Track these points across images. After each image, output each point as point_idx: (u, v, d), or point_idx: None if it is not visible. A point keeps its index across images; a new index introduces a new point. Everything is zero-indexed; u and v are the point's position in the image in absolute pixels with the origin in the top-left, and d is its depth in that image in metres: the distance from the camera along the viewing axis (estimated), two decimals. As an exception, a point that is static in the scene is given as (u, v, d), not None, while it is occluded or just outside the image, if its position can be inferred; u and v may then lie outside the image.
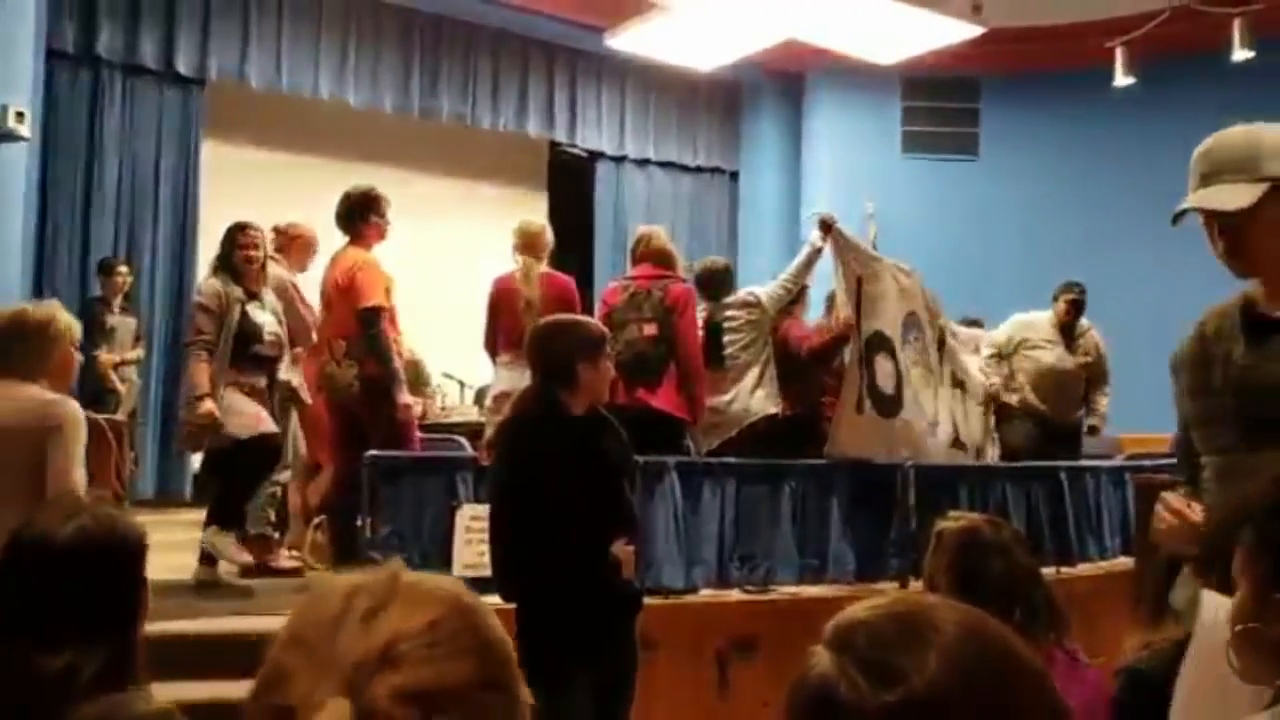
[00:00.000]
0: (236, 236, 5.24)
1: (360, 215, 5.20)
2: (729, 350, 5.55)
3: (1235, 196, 1.98)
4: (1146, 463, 6.70)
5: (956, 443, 6.12)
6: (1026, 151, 10.82)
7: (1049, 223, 10.38)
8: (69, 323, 3.32)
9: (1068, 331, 6.73)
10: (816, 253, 5.77)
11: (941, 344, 6.19)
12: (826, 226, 5.69)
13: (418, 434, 5.38)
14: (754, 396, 5.50)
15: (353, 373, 4.98)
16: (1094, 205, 10.44)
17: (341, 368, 5.02)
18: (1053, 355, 6.65)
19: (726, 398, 5.50)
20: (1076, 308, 6.73)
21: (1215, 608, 1.65)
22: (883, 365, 5.60)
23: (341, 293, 5.06)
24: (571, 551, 3.00)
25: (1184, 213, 2.06)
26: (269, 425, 5.09)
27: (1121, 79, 9.25)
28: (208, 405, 4.90)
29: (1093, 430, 6.96)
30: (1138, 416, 6.74)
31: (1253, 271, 2.07)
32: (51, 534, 1.65)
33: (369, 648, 0.74)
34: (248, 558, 5.01)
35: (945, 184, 10.81)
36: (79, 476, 3.07)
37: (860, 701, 0.87)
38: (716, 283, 5.72)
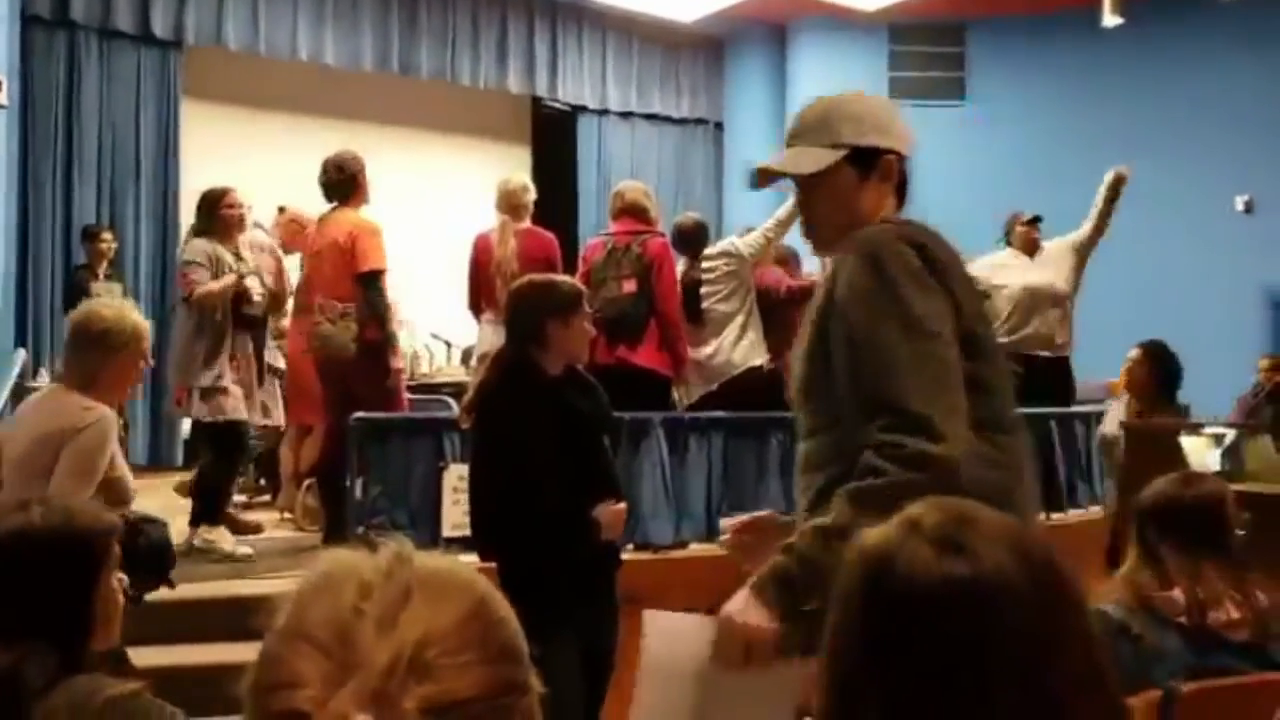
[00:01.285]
0: (222, 198, 5.22)
1: (351, 180, 5.18)
2: (706, 303, 5.50)
3: (806, 160, 1.92)
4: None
5: None
6: (1014, 95, 10.76)
7: (1038, 167, 10.32)
8: (135, 332, 3.16)
9: (1031, 252, 6.54)
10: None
11: None
12: None
13: (406, 397, 5.38)
14: (736, 349, 5.47)
15: (350, 334, 4.96)
16: (1083, 148, 10.38)
17: (337, 329, 5.00)
18: (1020, 276, 6.35)
19: (708, 350, 5.48)
20: (1034, 226, 6.48)
21: (658, 631, 1.74)
22: None
23: (342, 254, 5.03)
24: (547, 512, 2.99)
25: (767, 177, 2.00)
26: (240, 413, 5.07)
27: (1109, 19, 9.16)
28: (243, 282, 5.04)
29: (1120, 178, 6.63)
30: (1121, 364, 6.73)
31: (820, 244, 1.99)
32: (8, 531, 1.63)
33: (395, 655, 0.71)
34: (246, 550, 5.00)
35: (933, 130, 10.66)
36: (77, 486, 2.86)
37: (923, 570, 0.87)
38: (691, 240, 5.66)
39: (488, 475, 3.10)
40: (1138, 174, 10.06)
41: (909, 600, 0.87)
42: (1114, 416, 5.15)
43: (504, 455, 3.04)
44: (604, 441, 3.24)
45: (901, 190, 1.95)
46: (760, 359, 5.55)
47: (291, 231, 6.07)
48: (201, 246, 5.11)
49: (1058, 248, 6.53)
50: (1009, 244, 6.53)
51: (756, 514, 1.96)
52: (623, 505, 3.16)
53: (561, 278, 3.48)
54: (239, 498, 6.14)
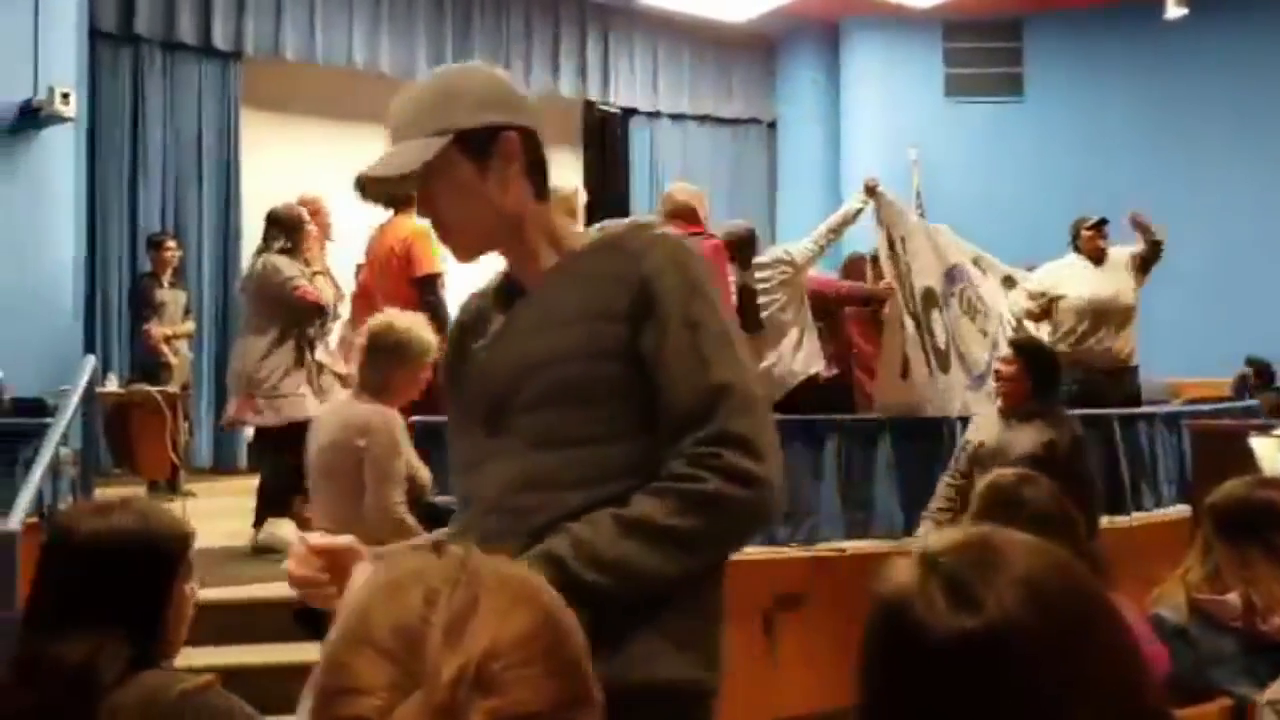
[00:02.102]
0: (303, 220, 5.36)
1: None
2: (766, 312, 5.47)
3: (404, 158, 1.62)
4: (1204, 408, 6.59)
5: None
6: (1074, 90, 10.58)
7: (1099, 162, 10.16)
8: (426, 345, 3.30)
9: (1098, 260, 6.43)
10: (854, 215, 5.71)
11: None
12: (871, 190, 5.62)
13: None
14: (797, 357, 5.43)
15: None
16: (1146, 143, 10.21)
17: None
18: (1088, 288, 6.26)
19: (768, 362, 5.44)
20: (1103, 230, 6.35)
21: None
22: (936, 319, 5.55)
23: (399, 261, 5.11)
24: None
25: (377, 187, 1.71)
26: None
27: (1173, 10, 8.98)
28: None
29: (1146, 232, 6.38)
30: (1192, 360, 6.60)
31: (463, 252, 1.66)
32: (73, 529, 1.68)
33: (462, 666, 0.70)
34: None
35: (991, 127, 10.61)
36: (388, 491, 3.19)
37: (937, 622, 0.88)
38: (741, 247, 5.61)
39: None
40: (1203, 169, 9.88)
41: (923, 652, 0.88)
42: (981, 423, 4.64)
43: None
44: None
45: (537, 173, 1.63)
46: (818, 366, 5.51)
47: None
48: (289, 263, 5.25)
49: (1122, 258, 6.42)
50: (1076, 249, 6.41)
51: (336, 539, 1.47)
52: None
53: None
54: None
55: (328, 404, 3.87)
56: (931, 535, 0.98)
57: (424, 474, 3.40)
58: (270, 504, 5.09)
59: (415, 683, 0.70)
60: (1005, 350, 6.07)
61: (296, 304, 5.23)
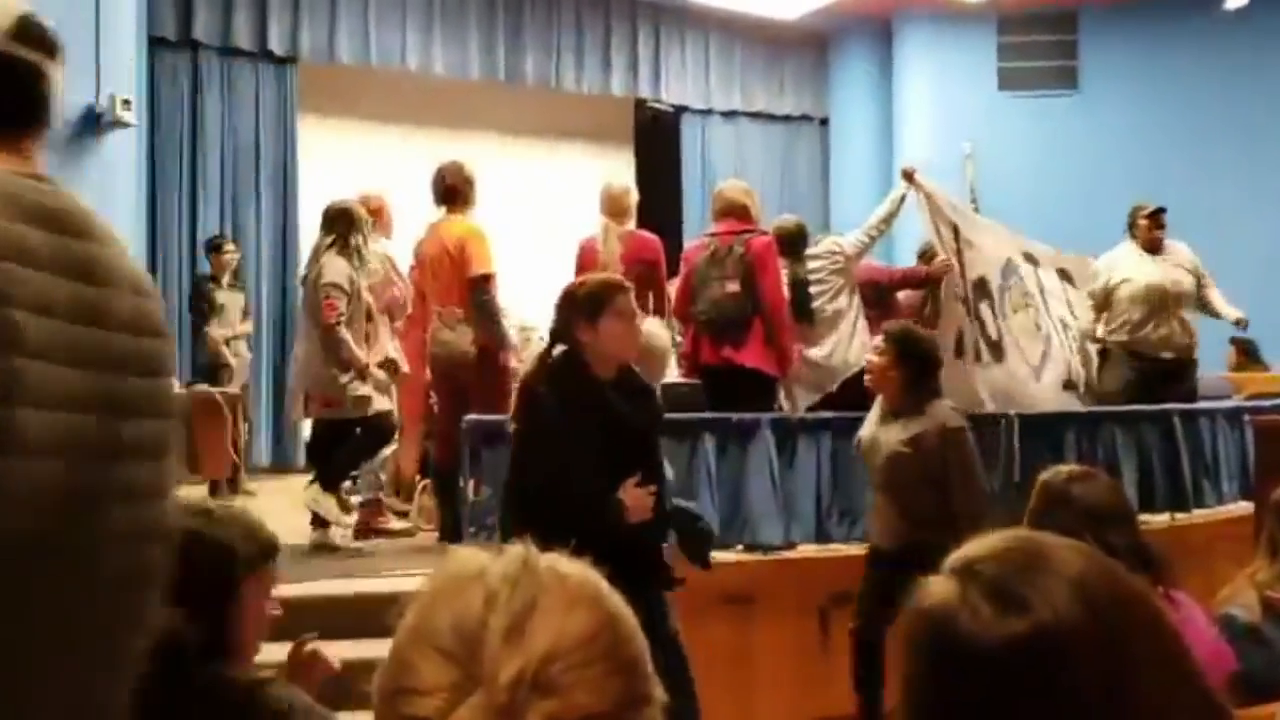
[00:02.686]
0: (362, 216, 5.37)
1: (464, 187, 5.32)
2: (818, 303, 5.46)
3: None
4: (1265, 403, 6.45)
5: (1068, 384, 5.96)
6: (1130, 82, 10.40)
7: (1155, 156, 9.97)
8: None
9: (1154, 249, 6.34)
10: (899, 202, 5.71)
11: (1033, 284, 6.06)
12: (908, 176, 5.61)
13: None
14: (851, 348, 5.40)
15: (469, 339, 5.09)
16: (1203, 136, 10.01)
17: (457, 334, 5.13)
18: (1143, 275, 6.20)
19: (823, 351, 5.42)
20: (1159, 219, 6.27)
21: None
22: (986, 311, 5.50)
23: (454, 261, 5.17)
24: (572, 494, 2.98)
25: None
26: (385, 403, 5.27)
27: (1233, 1, 8.81)
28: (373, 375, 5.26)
29: (1240, 323, 6.47)
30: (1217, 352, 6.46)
31: None
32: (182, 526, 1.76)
33: (521, 668, 0.71)
34: (349, 518, 5.22)
35: (1045, 121, 10.46)
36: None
37: (983, 630, 0.86)
38: (791, 242, 5.59)
39: (520, 475, 3.15)
40: (1262, 164, 9.67)
41: (973, 662, 0.87)
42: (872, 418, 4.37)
43: (537, 455, 3.08)
44: (646, 444, 3.19)
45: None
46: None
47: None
48: (342, 268, 5.21)
49: (1183, 256, 6.34)
50: (1133, 236, 6.33)
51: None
52: (647, 488, 3.09)
53: (595, 278, 3.36)
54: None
55: None
56: (966, 545, 0.96)
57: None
58: (330, 473, 5.21)
59: (475, 684, 0.71)
60: (1060, 343, 6.03)
61: (321, 313, 5.18)
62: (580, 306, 3.14)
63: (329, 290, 5.13)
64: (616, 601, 0.80)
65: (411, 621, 0.77)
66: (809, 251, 5.58)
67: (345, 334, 5.10)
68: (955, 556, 0.94)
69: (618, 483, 3.04)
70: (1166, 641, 0.90)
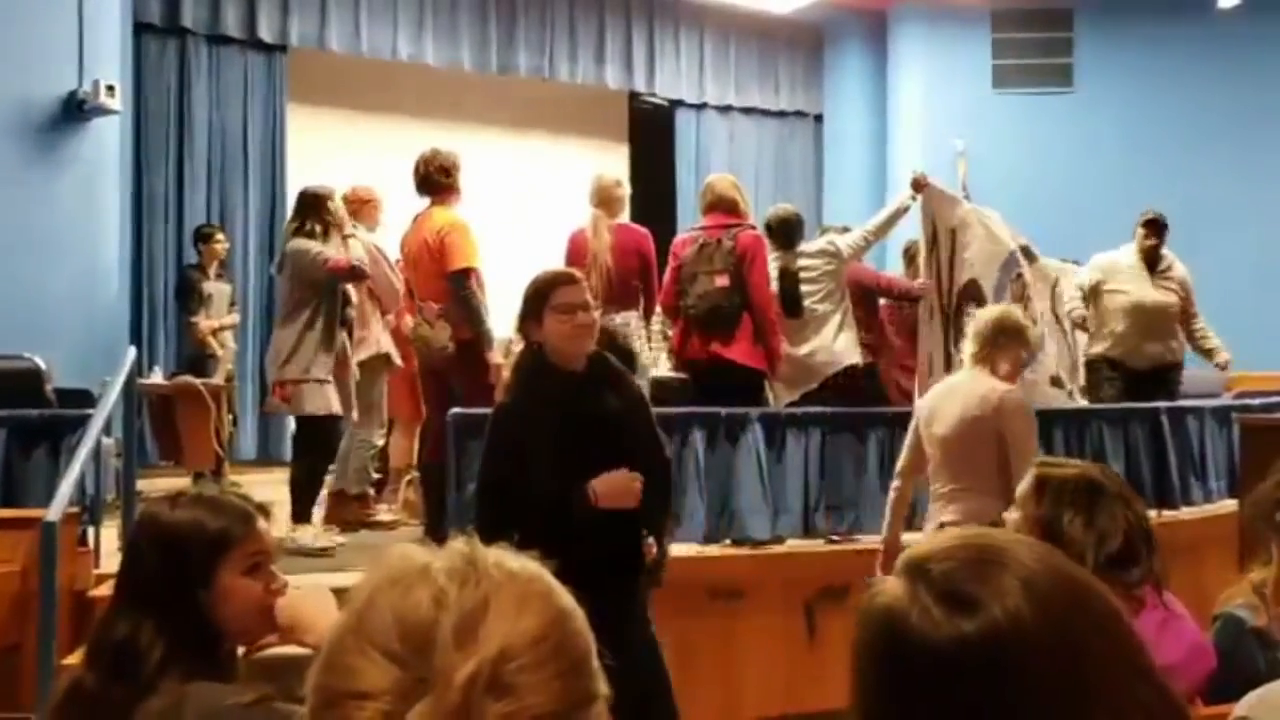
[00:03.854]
0: (329, 204, 5.30)
1: (445, 176, 5.23)
2: (808, 302, 5.44)
3: None
4: (1254, 401, 6.44)
5: (1055, 381, 5.95)
6: (1124, 81, 10.38)
7: (1150, 155, 9.95)
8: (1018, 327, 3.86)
9: (1151, 261, 6.36)
10: (903, 212, 5.69)
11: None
12: (919, 185, 5.58)
13: None
14: (836, 344, 5.40)
15: (446, 334, 5.02)
16: (1199, 135, 9.99)
17: (435, 329, 5.07)
18: (1136, 290, 6.24)
19: (806, 349, 5.41)
20: (1155, 229, 6.26)
21: None
22: (971, 312, 5.48)
23: (432, 255, 5.09)
24: (536, 494, 2.91)
25: None
26: (338, 407, 5.16)
27: (1227, -2, 8.80)
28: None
29: (1222, 366, 6.46)
30: (1242, 353, 6.47)
31: None
32: (136, 517, 1.72)
33: (475, 670, 0.69)
34: (335, 539, 5.13)
35: (1039, 119, 10.43)
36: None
37: (933, 630, 0.84)
38: (787, 231, 5.59)
39: (485, 479, 3.09)
40: (1256, 164, 9.67)
41: (923, 664, 0.84)
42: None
43: (493, 456, 3.05)
44: (622, 433, 3.09)
45: None
46: (856, 358, 5.47)
47: (354, 210, 6.04)
48: (311, 245, 5.18)
49: (1175, 271, 6.35)
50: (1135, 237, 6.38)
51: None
52: (623, 472, 2.97)
53: (541, 274, 3.24)
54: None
55: (948, 382, 4.03)
56: (915, 544, 0.94)
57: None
58: (296, 505, 5.08)
59: (424, 687, 0.68)
60: (1053, 339, 6.01)
61: (328, 277, 5.13)
62: (527, 305, 3.11)
63: (322, 256, 5.10)
64: (565, 599, 0.78)
65: (350, 621, 0.73)
66: (804, 248, 5.56)
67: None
68: (906, 555, 0.91)
69: (592, 475, 2.96)
70: (1122, 640, 0.86)
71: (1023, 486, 2.20)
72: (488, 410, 4.84)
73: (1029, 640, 0.82)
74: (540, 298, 3.07)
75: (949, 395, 3.84)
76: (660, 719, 3.07)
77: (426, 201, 5.35)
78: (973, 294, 5.53)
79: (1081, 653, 0.83)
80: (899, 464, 4.07)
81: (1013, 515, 2.20)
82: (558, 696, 0.71)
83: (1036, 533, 2.04)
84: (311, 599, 1.76)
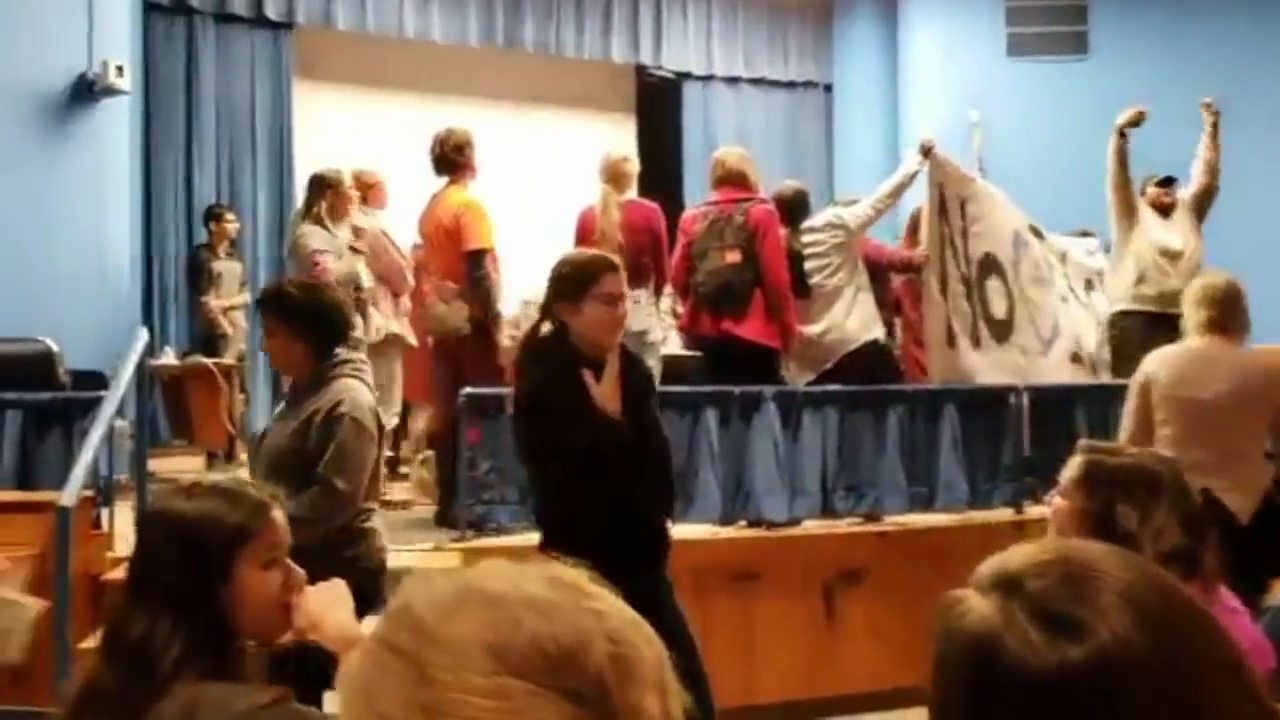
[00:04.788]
0: (339, 188, 5.29)
1: (459, 155, 5.19)
2: (815, 278, 5.32)
3: None
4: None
5: (1075, 358, 5.88)
6: (1141, 48, 10.21)
7: (1168, 124, 9.74)
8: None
9: (1165, 214, 6.21)
10: (911, 177, 5.53)
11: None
12: (926, 151, 5.46)
13: None
14: (849, 321, 5.29)
15: (463, 315, 4.99)
16: (1218, 103, 9.84)
17: (451, 309, 5.03)
18: (1150, 235, 5.97)
19: (819, 328, 5.31)
20: (1167, 188, 6.11)
21: None
22: (995, 289, 5.40)
23: (448, 235, 5.06)
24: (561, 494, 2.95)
25: None
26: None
27: (1247, -38, 8.64)
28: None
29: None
30: (1266, 326, 6.37)
31: None
32: (148, 508, 1.69)
33: (660, 700, 0.69)
34: None
35: (1055, 87, 10.28)
36: None
37: (1034, 656, 0.77)
38: (792, 209, 5.46)
39: (534, 440, 3.06)
40: (1274, 128, 9.51)
41: (1022, 693, 0.77)
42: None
43: (544, 417, 2.99)
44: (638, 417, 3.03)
45: None
46: (878, 332, 5.38)
47: (361, 193, 6.00)
48: (320, 232, 5.19)
49: (1182, 207, 6.20)
50: (1144, 190, 6.22)
51: None
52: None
53: (581, 255, 3.19)
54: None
55: (1191, 348, 3.93)
56: (999, 556, 0.85)
57: None
58: None
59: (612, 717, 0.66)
60: (1067, 314, 5.93)
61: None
62: (563, 286, 2.99)
63: (314, 255, 5.14)
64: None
65: (475, 655, 0.66)
66: (808, 224, 5.44)
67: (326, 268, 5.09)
68: (992, 567, 0.84)
69: (608, 468, 2.93)
70: (1230, 660, 0.80)
71: (1069, 474, 2.10)
72: (498, 390, 4.87)
73: (1140, 665, 0.75)
74: (581, 282, 2.95)
75: (1205, 362, 3.76)
76: (702, 701, 3.05)
77: (438, 180, 5.30)
78: (993, 266, 5.44)
79: (1195, 677, 0.77)
80: (1124, 434, 3.90)
81: (1059, 503, 2.11)
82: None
83: (1086, 525, 1.96)
84: (329, 597, 1.72)
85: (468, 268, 4.99)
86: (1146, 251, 5.73)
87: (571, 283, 2.97)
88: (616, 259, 3.16)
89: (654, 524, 3.10)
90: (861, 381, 5.10)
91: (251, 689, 1.54)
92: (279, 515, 1.70)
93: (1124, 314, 5.64)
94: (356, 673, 0.69)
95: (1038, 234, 6.00)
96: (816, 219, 5.49)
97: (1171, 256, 5.91)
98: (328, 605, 1.70)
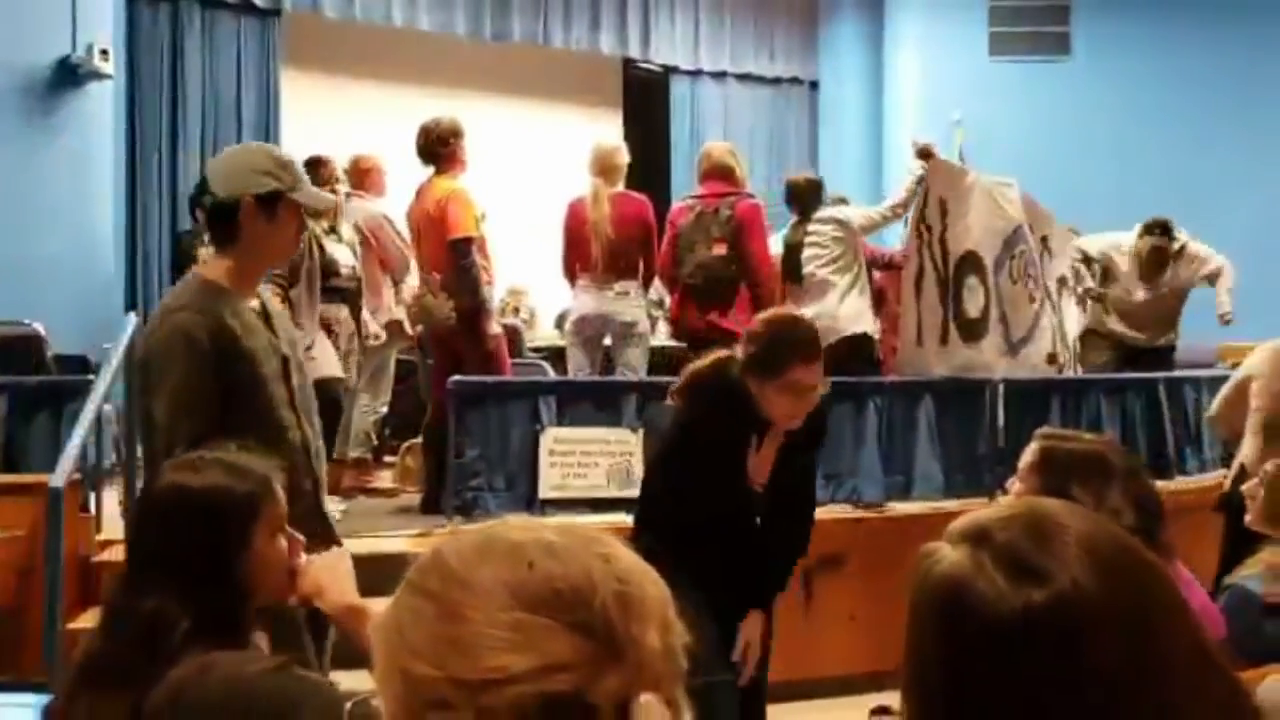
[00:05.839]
0: (317, 171, 5.26)
1: (444, 145, 5.19)
2: (809, 267, 5.39)
3: None
4: (1249, 372, 6.48)
5: (1051, 360, 5.97)
6: (1122, 50, 10.32)
7: (1147, 125, 9.93)
8: None
9: (1148, 273, 6.36)
10: (919, 181, 5.50)
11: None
12: (926, 154, 5.48)
13: (509, 362, 5.43)
14: (840, 312, 5.31)
15: (449, 305, 5.02)
16: (1196, 105, 9.96)
17: (438, 299, 5.06)
18: (1136, 289, 6.31)
19: (808, 314, 5.34)
20: (1158, 255, 6.26)
21: None
22: (972, 286, 5.46)
23: (433, 224, 5.08)
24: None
25: None
26: (326, 370, 5.12)
27: (1227, -34, 8.75)
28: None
29: (1224, 318, 6.40)
30: (1237, 325, 6.48)
31: None
32: (153, 484, 1.72)
33: (661, 637, 0.74)
34: (336, 506, 5.15)
35: (1036, 87, 10.39)
36: None
37: (1000, 600, 0.83)
38: (805, 197, 5.49)
39: (663, 485, 2.95)
40: (1254, 136, 9.64)
41: (989, 634, 0.83)
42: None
43: (666, 470, 2.93)
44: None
45: None
46: (869, 326, 5.40)
47: (356, 179, 5.98)
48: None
49: (1193, 268, 6.36)
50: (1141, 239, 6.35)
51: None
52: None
53: (785, 332, 2.85)
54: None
55: None
56: (971, 513, 0.92)
57: None
58: None
59: (618, 653, 0.72)
60: (1050, 315, 6.03)
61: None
62: (758, 358, 2.76)
63: None
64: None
65: (497, 593, 0.73)
66: (817, 215, 5.44)
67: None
68: (963, 522, 0.91)
69: (724, 528, 2.87)
70: (1186, 613, 0.87)
71: (1026, 460, 2.20)
72: (485, 379, 4.92)
73: (1095, 607, 0.82)
74: (774, 366, 2.74)
75: None
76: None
77: (425, 171, 5.32)
78: (974, 263, 5.50)
79: (1144, 617, 0.83)
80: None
81: (1018, 487, 2.20)
82: (680, 654, 0.76)
83: None
84: (332, 563, 1.79)
85: (453, 256, 5.01)
86: None
87: (764, 361, 2.76)
88: (817, 344, 2.86)
89: (759, 575, 3.01)
90: (842, 372, 5.15)
91: (258, 655, 1.60)
92: (280, 486, 1.75)
93: None
94: (390, 617, 0.77)
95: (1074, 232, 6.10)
96: (824, 212, 5.50)
97: None
98: (330, 573, 1.77)
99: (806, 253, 5.39)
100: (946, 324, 5.37)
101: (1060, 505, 0.93)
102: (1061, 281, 6.25)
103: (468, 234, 5.03)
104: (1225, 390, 4.42)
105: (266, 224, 2.50)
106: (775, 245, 5.45)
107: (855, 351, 5.29)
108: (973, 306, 5.50)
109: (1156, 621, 0.84)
